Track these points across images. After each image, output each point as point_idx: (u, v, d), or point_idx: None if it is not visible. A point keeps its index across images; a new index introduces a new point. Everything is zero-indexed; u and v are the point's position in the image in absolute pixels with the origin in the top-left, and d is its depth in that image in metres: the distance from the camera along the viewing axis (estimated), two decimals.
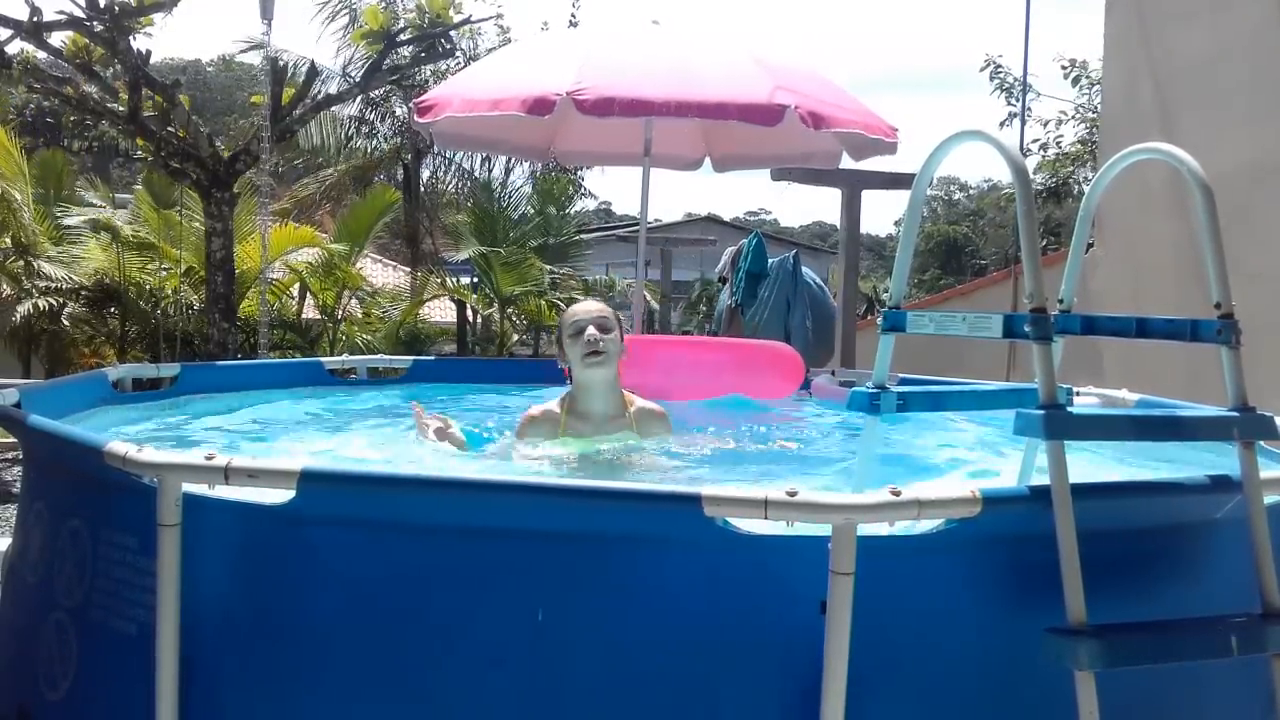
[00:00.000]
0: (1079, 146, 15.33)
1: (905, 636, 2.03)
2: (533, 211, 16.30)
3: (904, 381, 4.18)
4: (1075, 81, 14.70)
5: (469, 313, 16.22)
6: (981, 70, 15.12)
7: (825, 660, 1.89)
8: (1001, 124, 15.41)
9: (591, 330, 3.22)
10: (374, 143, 19.15)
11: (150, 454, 2.12)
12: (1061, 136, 15.47)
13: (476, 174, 19.94)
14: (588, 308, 3.36)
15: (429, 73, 15.47)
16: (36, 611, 2.52)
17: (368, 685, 2.05)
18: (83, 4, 7.78)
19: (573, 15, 17.44)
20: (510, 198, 17.36)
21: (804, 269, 9.60)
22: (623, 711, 2.01)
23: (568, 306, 3.54)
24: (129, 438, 2.74)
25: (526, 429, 3.32)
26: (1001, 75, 15.02)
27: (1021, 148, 10.50)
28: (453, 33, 9.40)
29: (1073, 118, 15.22)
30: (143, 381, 4.23)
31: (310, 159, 19.13)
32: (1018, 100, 14.23)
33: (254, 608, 2.17)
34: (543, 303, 14.42)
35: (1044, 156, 15.53)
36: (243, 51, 18.70)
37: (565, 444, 3.22)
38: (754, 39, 5.55)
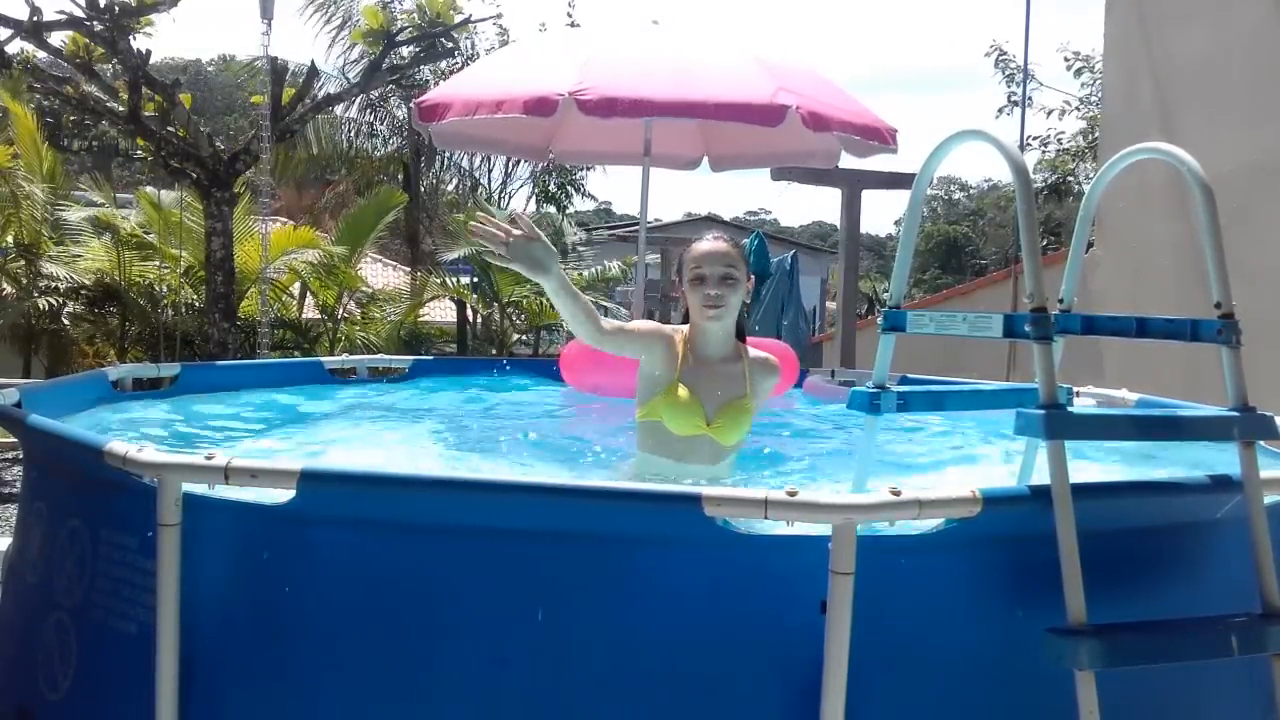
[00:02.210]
0: (1079, 140, 15.36)
1: (905, 636, 2.03)
2: (533, 213, 16.33)
3: (904, 381, 4.18)
4: (1078, 74, 14.74)
5: (469, 313, 16.23)
6: (986, 55, 15.17)
7: (825, 660, 1.89)
8: (1001, 110, 15.45)
9: (710, 290, 3.03)
10: (374, 143, 19.17)
11: (150, 454, 2.12)
12: (1063, 132, 15.51)
13: (477, 174, 19.97)
14: (714, 250, 3.09)
15: (429, 72, 15.49)
16: (36, 611, 2.52)
17: (368, 685, 2.05)
18: (83, 4, 7.78)
19: (569, 14, 17.45)
20: (510, 199, 17.39)
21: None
22: (623, 710, 2.01)
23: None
24: (129, 437, 2.74)
25: (649, 334, 3.12)
26: (1006, 61, 15.06)
27: (1022, 138, 10.50)
28: (453, 32, 9.39)
29: (1075, 109, 15.26)
30: (143, 381, 4.23)
31: (316, 167, 19.15)
32: (1020, 88, 14.29)
33: (254, 608, 2.17)
34: (543, 301, 14.41)
35: (1044, 154, 15.57)
36: (250, 63, 18.72)
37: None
38: (754, 39, 5.55)
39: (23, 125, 12.65)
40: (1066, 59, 14.67)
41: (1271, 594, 2.07)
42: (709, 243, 3.14)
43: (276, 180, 14.14)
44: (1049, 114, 15.39)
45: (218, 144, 8.80)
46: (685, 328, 3.19)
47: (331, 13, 18.17)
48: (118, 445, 2.18)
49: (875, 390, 2.37)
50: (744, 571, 2.02)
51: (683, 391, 3.06)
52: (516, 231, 2.87)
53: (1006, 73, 15.12)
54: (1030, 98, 13.99)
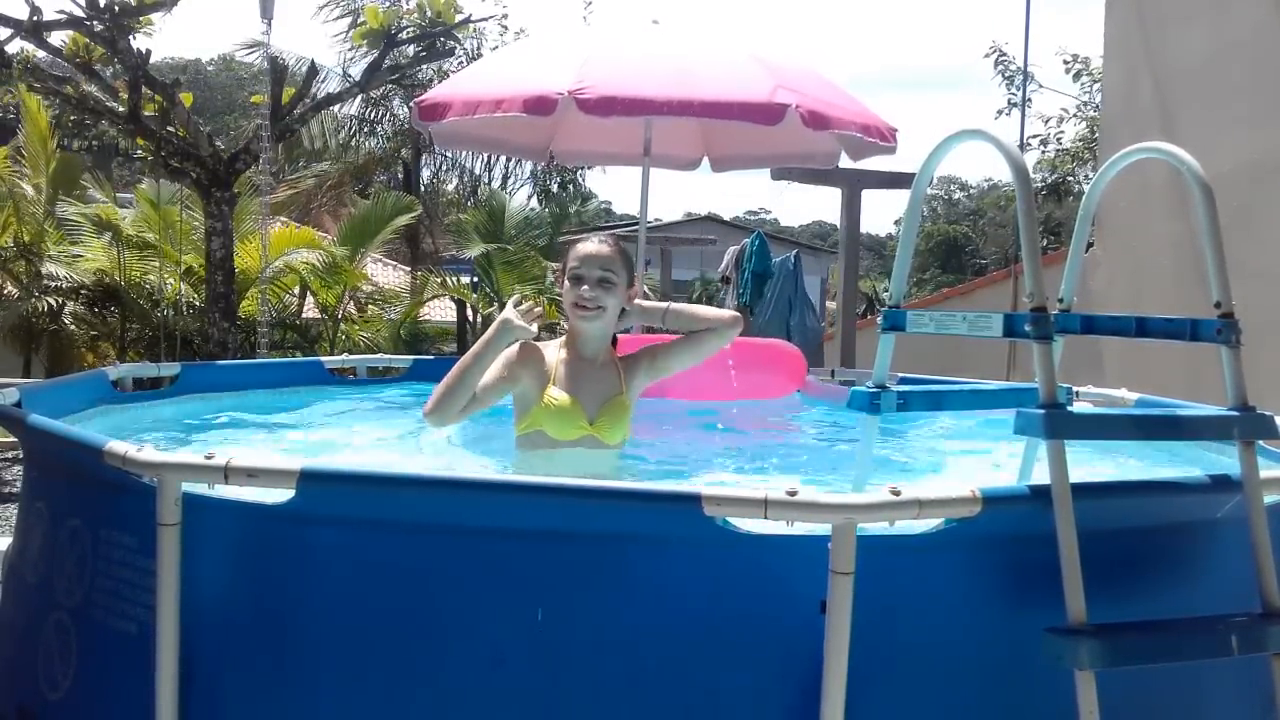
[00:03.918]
0: (1079, 144, 15.35)
1: (905, 636, 2.03)
2: (535, 210, 16.36)
3: (904, 381, 4.18)
4: (1077, 77, 14.74)
5: (469, 312, 16.24)
6: (986, 56, 15.16)
7: (825, 660, 1.89)
8: (999, 113, 15.45)
9: (584, 289, 3.04)
10: (375, 142, 19.18)
11: (150, 453, 2.12)
12: (1062, 133, 15.51)
13: (478, 173, 19.98)
14: (593, 252, 3.07)
15: (432, 72, 15.49)
16: (36, 611, 2.52)
17: (367, 685, 2.05)
18: (83, 3, 7.77)
19: (585, 17, 17.43)
20: (512, 197, 17.41)
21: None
22: (623, 711, 2.01)
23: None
24: (129, 437, 2.74)
25: (503, 370, 3.05)
26: (1005, 62, 15.05)
27: (1021, 139, 10.49)
28: (455, 31, 9.39)
29: (1074, 114, 15.26)
30: (143, 381, 4.23)
31: (311, 160, 19.17)
32: (1019, 90, 14.28)
33: (254, 607, 2.17)
34: (543, 300, 14.43)
35: (1044, 153, 15.56)
36: (243, 52, 18.74)
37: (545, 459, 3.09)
38: (754, 38, 5.54)
39: (34, 123, 12.65)
40: (1066, 62, 14.67)
41: (1271, 594, 2.07)
42: (590, 244, 3.12)
43: (276, 179, 14.13)
44: (1047, 121, 15.40)
45: (218, 144, 8.80)
46: (557, 343, 3.18)
47: (341, 9, 18.18)
48: (117, 445, 2.18)
49: (875, 390, 2.37)
50: (744, 571, 2.02)
51: (561, 395, 3.04)
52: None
53: (1006, 75, 15.11)
54: (1030, 99, 13.97)
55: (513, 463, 3.14)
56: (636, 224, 6.18)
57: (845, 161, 5.86)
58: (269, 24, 8.73)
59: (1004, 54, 15.12)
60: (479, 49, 17.02)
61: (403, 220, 14.50)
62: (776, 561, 2.02)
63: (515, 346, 3.10)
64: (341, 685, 2.08)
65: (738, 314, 3.30)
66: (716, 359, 3.60)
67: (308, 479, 2.02)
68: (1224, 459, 2.94)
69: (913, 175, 2.55)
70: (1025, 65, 11.06)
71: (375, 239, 14.40)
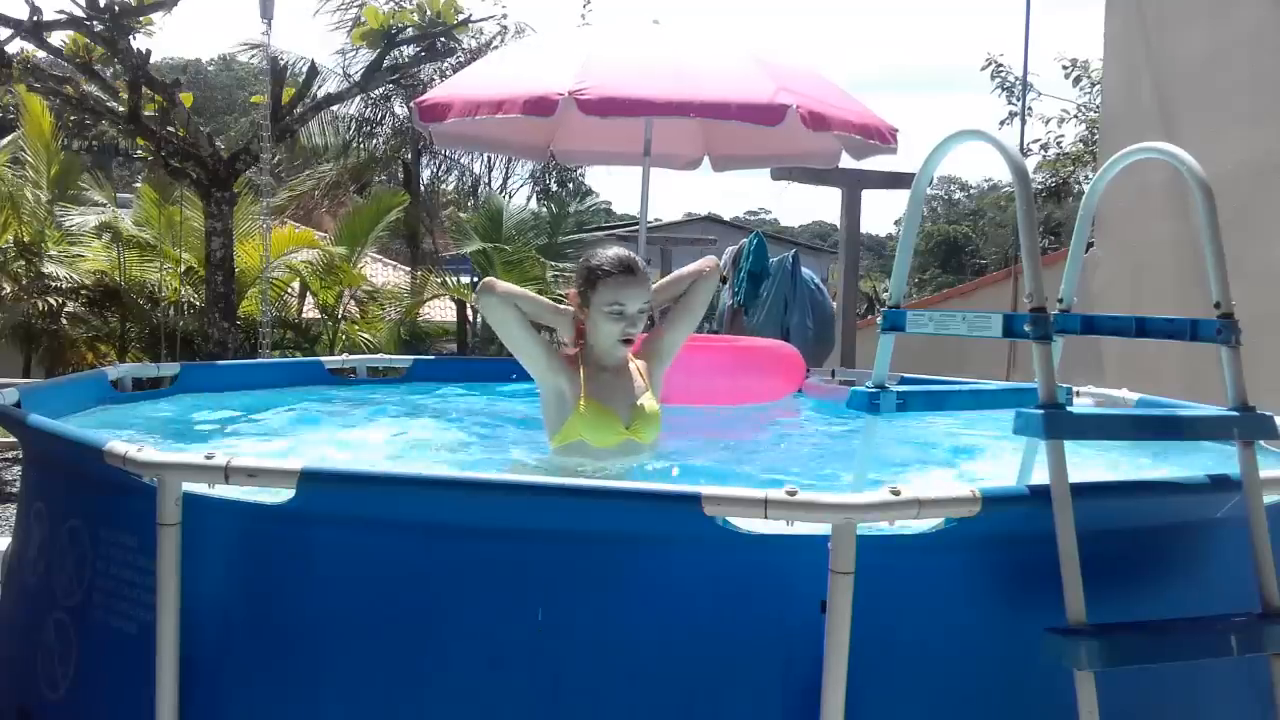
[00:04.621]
0: (1080, 146, 15.33)
1: (905, 636, 2.03)
2: (534, 211, 16.35)
3: (904, 381, 4.19)
4: (1076, 81, 14.72)
5: (469, 312, 16.23)
6: (983, 69, 15.12)
7: (825, 659, 1.89)
8: (1001, 123, 15.42)
9: (629, 329, 3.13)
10: (374, 142, 19.16)
11: (150, 453, 2.13)
12: (1062, 136, 15.48)
13: (478, 173, 19.97)
14: (638, 290, 3.13)
15: (432, 71, 15.49)
16: (36, 611, 2.52)
17: (367, 685, 2.05)
18: (83, 3, 7.77)
19: (584, 15, 17.40)
20: (511, 197, 17.40)
21: (802, 268, 9.56)
22: (623, 711, 2.01)
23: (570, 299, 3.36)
24: (129, 437, 2.75)
25: (557, 356, 3.21)
26: (1003, 74, 15.03)
27: (1022, 147, 10.50)
28: (455, 31, 9.38)
29: (1074, 117, 15.23)
30: (143, 381, 4.23)
31: (310, 159, 19.15)
32: (1018, 100, 14.23)
33: (254, 607, 2.17)
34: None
35: (1044, 156, 15.53)
36: (244, 52, 18.73)
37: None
38: (754, 39, 5.54)
39: (35, 124, 12.65)
40: (1065, 66, 14.64)
41: (1271, 594, 2.07)
42: (628, 277, 3.14)
43: (280, 182, 14.13)
44: (1048, 122, 15.37)
45: (218, 144, 8.80)
46: (572, 356, 3.24)
47: (344, 9, 18.16)
48: (118, 445, 2.18)
49: (875, 390, 2.37)
50: (744, 571, 2.02)
51: (595, 405, 3.12)
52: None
53: (1006, 86, 15.08)
54: (1030, 108, 13.91)
55: (551, 468, 3.19)
56: (636, 224, 6.17)
57: (845, 161, 5.86)
58: (269, 24, 8.73)
59: (1000, 65, 15.10)
60: (480, 47, 17.00)
61: (394, 214, 14.49)
62: (777, 561, 2.02)
63: (563, 350, 3.26)
64: (341, 685, 2.08)
65: (712, 257, 3.43)
66: (709, 362, 3.59)
67: (308, 479, 2.02)
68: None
69: (913, 175, 2.55)
70: (1025, 72, 11.03)
71: (370, 236, 14.39)
